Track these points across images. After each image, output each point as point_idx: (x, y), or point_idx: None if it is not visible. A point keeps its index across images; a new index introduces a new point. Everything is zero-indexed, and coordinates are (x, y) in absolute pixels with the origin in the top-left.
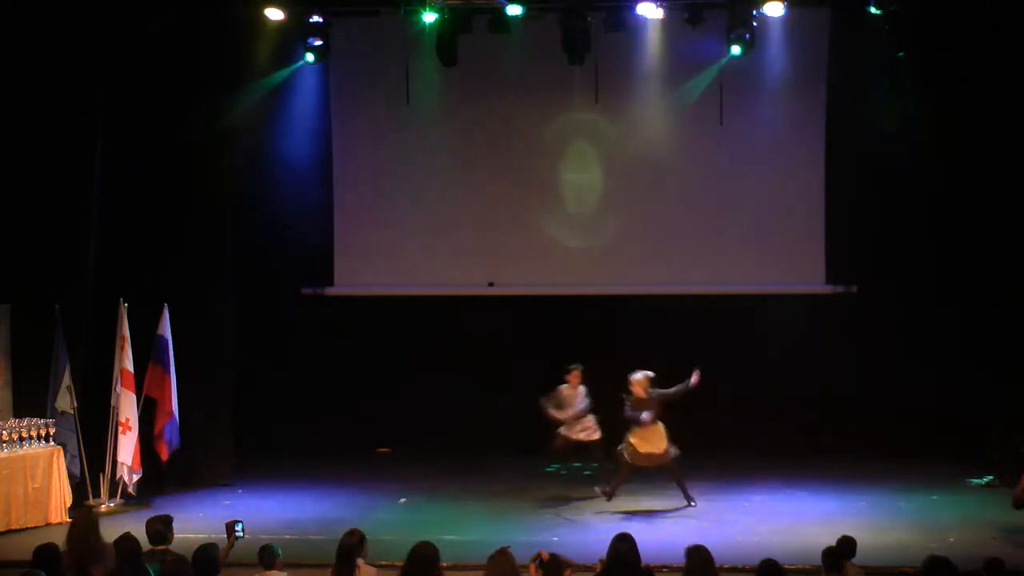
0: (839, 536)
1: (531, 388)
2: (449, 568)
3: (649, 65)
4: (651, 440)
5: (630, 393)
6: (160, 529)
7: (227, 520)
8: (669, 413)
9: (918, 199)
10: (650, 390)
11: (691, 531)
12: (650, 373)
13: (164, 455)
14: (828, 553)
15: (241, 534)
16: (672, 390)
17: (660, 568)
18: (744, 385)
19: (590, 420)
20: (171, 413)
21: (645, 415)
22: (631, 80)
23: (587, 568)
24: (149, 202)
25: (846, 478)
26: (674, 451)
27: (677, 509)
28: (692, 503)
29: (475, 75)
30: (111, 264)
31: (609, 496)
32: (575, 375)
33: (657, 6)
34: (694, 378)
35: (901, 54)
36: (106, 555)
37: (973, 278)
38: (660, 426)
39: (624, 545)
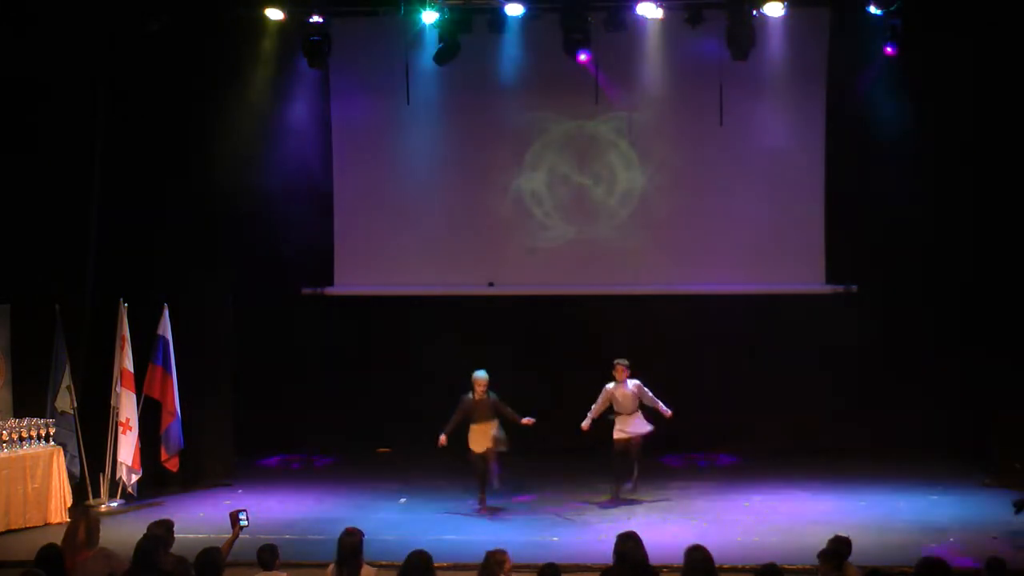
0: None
1: (531, 387)
2: (449, 568)
3: (649, 65)
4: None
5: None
6: (160, 533)
7: (231, 511)
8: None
9: (918, 199)
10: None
11: (691, 531)
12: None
13: (165, 456)
14: (824, 555)
15: (246, 522)
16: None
17: (660, 568)
18: (744, 385)
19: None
20: (174, 413)
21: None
22: (631, 80)
23: (586, 568)
24: (149, 202)
25: (846, 478)
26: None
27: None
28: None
29: (475, 75)
30: (111, 264)
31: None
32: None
33: (657, 6)
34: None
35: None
36: (92, 545)
37: (973, 278)
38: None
39: (629, 544)
